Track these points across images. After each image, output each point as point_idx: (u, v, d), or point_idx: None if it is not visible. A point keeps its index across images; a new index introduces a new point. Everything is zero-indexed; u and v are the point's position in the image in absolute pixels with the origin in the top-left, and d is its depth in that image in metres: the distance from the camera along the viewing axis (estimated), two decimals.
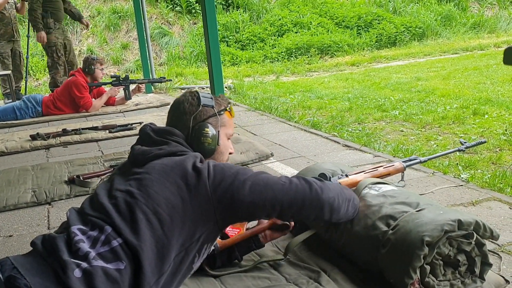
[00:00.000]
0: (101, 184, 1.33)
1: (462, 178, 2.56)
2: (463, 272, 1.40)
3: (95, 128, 4.18)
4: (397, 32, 10.55)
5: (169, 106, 1.55)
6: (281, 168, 2.93)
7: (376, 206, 1.54)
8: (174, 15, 10.85)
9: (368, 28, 10.69)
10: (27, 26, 6.74)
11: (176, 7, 10.90)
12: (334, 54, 9.78)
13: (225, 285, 1.50)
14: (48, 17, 5.98)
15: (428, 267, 1.36)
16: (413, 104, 4.74)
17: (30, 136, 4.01)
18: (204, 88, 6.74)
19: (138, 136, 1.45)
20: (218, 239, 1.50)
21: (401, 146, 3.29)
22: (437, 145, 3.35)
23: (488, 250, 1.44)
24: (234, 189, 1.25)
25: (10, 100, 5.99)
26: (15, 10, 6.47)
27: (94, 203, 1.23)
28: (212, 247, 1.49)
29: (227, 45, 10.12)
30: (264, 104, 5.19)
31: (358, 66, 8.58)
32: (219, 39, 3.79)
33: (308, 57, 9.49)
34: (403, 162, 1.85)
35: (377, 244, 1.44)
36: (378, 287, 1.47)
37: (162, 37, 10.24)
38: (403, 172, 1.83)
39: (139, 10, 6.85)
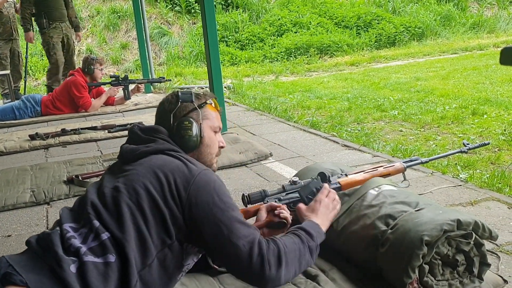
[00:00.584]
0: (92, 183, 1.37)
1: (461, 178, 2.56)
2: (462, 272, 1.41)
3: (94, 128, 4.18)
4: (396, 32, 10.55)
5: None
6: (280, 168, 2.93)
7: (376, 206, 1.54)
8: (173, 15, 10.85)
9: (367, 28, 10.69)
10: None
11: (175, 7, 10.90)
12: (334, 54, 9.78)
13: (223, 285, 1.50)
14: (42, 17, 5.93)
15: (426, 267, 1.36)
16: (412, 104, 4.75)
17: (29, 136, 4.01)
18: (203, 88, 6.74)
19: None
20: None
21: (400, 146, 3.29)
22: (436, 145, 3.35)
23: (487, 250, 1.45)
24: (201, 218, 1.24)
25: (9, 100, 5.98)
26: (14, 9, 6.46)
27: (84, 201, 1.26)
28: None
29: (227, 45, 10.12)
30: (263, 104, 5.19)
31: (357, 66, 8.58)
32: (218, 39, 3.79)
33: (307, 57, 9.49)
34: (403, 162, 1.84)
35: (376, 243, 1.45)
36: (376, 287, 1.47)
37: (161, 37, 10.24)
38: (403, 173, 1.82)
39: (139, 10, 6.85)
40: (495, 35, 10.90)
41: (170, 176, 1.25)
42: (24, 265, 1.06)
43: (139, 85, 5.55)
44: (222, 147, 1.55)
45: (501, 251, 1.73)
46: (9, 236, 2.21)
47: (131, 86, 5.53)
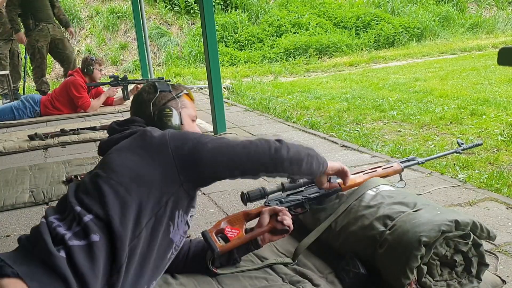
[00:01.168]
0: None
1: (460, 178, 2.57)
2: (460, 272, 1.41)
3: (93, 128, 4.18)
4: (395, 32, 10.57)
5: None
6: None
7: (374, 207, 1.55)
8: (172, 15, 10.85)
9: (366, 29, 10.70)
10: None
11: (174, 7, 10.90)
12: (333, 54, 9.80)
13: (222, 285, 1.50)
14: (29, 18, 5.88)
15: (425, 267, 1.36)
16: (411, 104, 4.75)
17: (28, 136, 4.00)
18: (202, 88, 6.74)
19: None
20: (218, 243, 1.50)
21: (399, 146, 3.29)
22: (434, 146, 3.36)
23: (485, 250, 1.45)
24: (196, 151, 1.30)
25: (8, 101, 5.98)
26: None
27: (67, 194, 1.30)
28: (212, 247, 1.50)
29: (226, 46, 10.12)
30: (262, 104, 5.20)
31: (356, 66, 8.59)
32: (217, 39, 3.79)
33: (306, 57, 9.49)
34: (401, 162, 1.85)
35: (374, 244, 1.45)
36: None
37: (160, 37, 10.24)
38: (401, 173, 1.83)
39: (138, 10, 6.85)
40: (493, 35, 10.92)
41: (146, 148, 1.30)
42: (15, 259, 1.08)
43: (138, 85, 5.55)
44: None
45: (499, 251, 1.73)
46: (8, 236, 2.20)
47: (130, 87, 5.53)
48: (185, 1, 10.85)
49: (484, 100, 4.63)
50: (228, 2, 11.21)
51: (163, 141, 1.30)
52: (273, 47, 10.01)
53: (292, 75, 8.25)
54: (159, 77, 5.86)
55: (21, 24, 5.96)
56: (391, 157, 3.03)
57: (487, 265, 1.43)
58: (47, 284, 1.04)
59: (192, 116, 1.60)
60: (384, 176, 1.79)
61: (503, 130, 3.55)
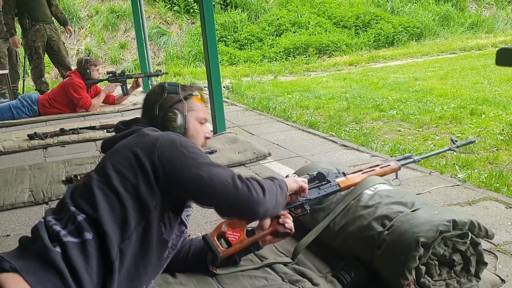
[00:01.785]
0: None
1: (459, 177, 2.57)
2: (459, 272, 1.41)
3: (92, 128, 4.18)
4: (395, 32, 10.56)
5: None
6: (279, 168, 2.93)
7: (372, 207, 1.55)
8: (172, 14, 10.85)
9: (366, 28, 10.70)
10: None
11: (174, 6, 10.90)
12: (332, 54, 9.79)
13: (221, 285, 1.50)
14: (25, 18, 5.86)
15: (423, 268, 1.36)
16: (411, 104, 4.75)
17: (28, 135, 4.00)
18: (202, 88, 6.73)
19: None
20: (221, 248, 1.50)
21: (399, 146, 3.29)
22: (434, 145, 3.36)
23: (484, 249, 1.45)
24: (178, 171, 1.29)
25: (7, 100, 5.98)
26: None
27: (64, 196, 1.33)
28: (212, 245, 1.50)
29: (225, 45, 10.12)
30: (262, 103, 5.20)
31: (356, 66, 8.59)
32: (217, 38, 3.79)
33: (306, 56, 9.49)
34: (397, 161, 1.86)
35: (372, 244, 1.45)
36: None
37: (160, 36, 10.23)
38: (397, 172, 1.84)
39: (137, 10, 6.84)
40: (493, 35, 10.92)
41: (136, 150, 1.30)
42: (14, 256, 1.13)
43: (138, 80, 5.53)
44: (207, 138, 1.59)
45: (498, 250, 1.73)
46: (7, 235, 2.21)
47: (130, 86, 5.53)
48: (185, 1, 10.85)
49: (484, 100, 4.63)
50: (227, 1, 11.21)
51: (154, 143, 1.30)
52: (273, 47, 10.01)
53: (292, 75, 8.25)
54: (157, 70, 5.84)
55: (18, 24, 5.94)
56: (391, 156, 3.03)
57: (485, 264, 1.43)
58: (43, 277, 1.07)
59: (200, 119, 1.56)
60: (382, 175, 1.79)
61: (503, 130, 3.55)
